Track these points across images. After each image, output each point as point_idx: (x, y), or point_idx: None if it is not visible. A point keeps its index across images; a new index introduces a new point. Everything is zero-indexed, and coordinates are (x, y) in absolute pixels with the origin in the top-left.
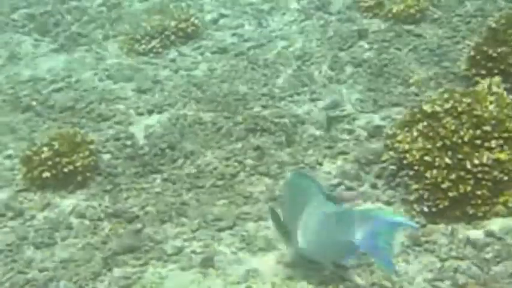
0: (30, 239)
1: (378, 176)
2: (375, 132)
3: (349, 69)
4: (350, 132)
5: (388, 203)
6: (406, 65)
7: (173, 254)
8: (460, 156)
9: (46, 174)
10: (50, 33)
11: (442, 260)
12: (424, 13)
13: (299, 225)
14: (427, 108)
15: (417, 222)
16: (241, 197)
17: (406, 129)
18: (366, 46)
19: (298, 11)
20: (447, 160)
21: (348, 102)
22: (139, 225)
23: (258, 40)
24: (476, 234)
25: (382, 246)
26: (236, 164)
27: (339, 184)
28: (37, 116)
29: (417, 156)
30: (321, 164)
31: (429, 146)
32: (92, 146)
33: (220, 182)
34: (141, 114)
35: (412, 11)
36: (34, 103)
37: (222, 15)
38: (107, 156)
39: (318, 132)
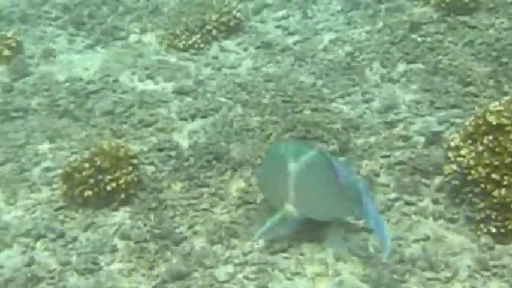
0: (73, 264)
1: (439, 190)
2: (433, 138)
3: (401, 66)
4: (406, 138)
5: (452, 220)
6: (463, 61)
7: (225, 281)
8: None
9: (88, 192)
10: (84, 26)
11: None
12: (479, 1)
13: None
14: (492, 119)
15: None
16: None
17: (470, 141)
18: (419, 39)
19: None
20: None
21: (403, 104)
22: (187, 248)
23: (304, 33)
24: None
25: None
26: None
27: (397, 199)
28: (75, 121)
29: (483, 174)
30: (377, 175)
31: (496, 163)
32: (135, 161)
33: None
34: (184, 119)
35: None
36: (71, 107)
37: (265, 5)
38: (150, 169)
39: (373, 139)
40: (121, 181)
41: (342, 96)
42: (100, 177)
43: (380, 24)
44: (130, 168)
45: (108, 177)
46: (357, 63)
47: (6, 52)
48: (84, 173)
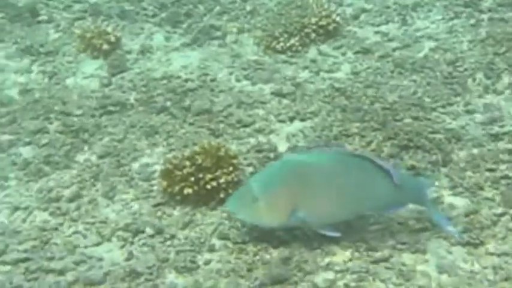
0: (171, 262)
1: None
2: None
3: (506, 78)
4: (511, 152)
5: None
6: None
7: None
8: None
9: (188, 190)
10: (181, 24)
11: None
12: None
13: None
14: None
15: None
16: (395, 224)
17: None
18: None
19: (445, 7)
20: None
21: (508, 117)
22: (287, 252)
23: (403, 40)
24: None
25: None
26: None
27: (504, 214)
28: (173, 118)
29: None
30: (482, 189)
31: None
32: (235, 161)
33: None
34: (282, 121)
35: None
36: (169, 104)
37: (364, 10)
38: (249, 170)
39: (476, 151)
40: (221, 180)
41: (443, 106)
42: (200, 175)
43: (483, 34)
44: (230, 168)
45: (209, 175)
46: (459, 73)
47: (105, 47)
48: (185, 171)
